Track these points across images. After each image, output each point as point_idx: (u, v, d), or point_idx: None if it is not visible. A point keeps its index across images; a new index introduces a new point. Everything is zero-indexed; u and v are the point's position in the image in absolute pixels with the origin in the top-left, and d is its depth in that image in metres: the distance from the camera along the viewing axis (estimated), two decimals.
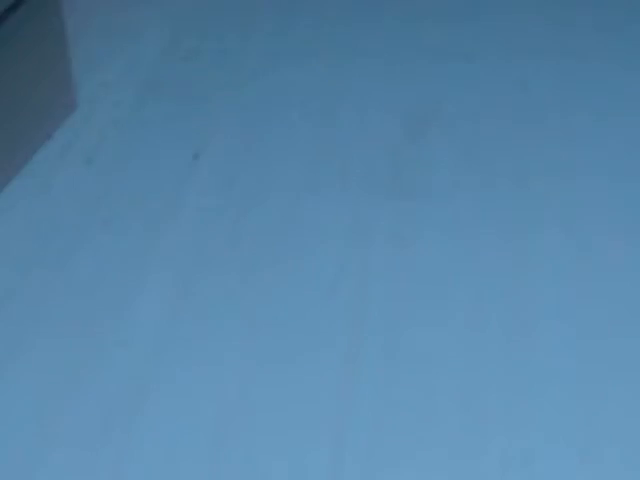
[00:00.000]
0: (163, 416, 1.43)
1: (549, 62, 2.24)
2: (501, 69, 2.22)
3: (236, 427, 1.42)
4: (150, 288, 1.65)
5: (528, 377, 1.49)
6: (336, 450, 1.38)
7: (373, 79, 2.19)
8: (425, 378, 1.49)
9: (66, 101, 2.05)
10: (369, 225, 1.78)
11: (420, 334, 1.56)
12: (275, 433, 1.41)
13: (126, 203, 1.84)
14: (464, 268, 1.69)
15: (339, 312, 1.60)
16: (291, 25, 2.40)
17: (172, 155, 1.96)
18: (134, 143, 2.00)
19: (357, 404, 1.45)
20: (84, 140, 2.00)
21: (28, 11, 1.85)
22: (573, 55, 2.26)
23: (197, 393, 1.47)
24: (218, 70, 2.23)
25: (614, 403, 1.45)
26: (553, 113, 2.08)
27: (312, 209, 1.82)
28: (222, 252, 1.72)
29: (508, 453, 1.38)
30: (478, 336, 1.56)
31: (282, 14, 2.45)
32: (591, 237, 1.75)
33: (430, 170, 1.91)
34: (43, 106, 1.96)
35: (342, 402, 1.45)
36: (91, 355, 1.53)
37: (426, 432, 1.41)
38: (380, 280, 1.66)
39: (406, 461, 1.37)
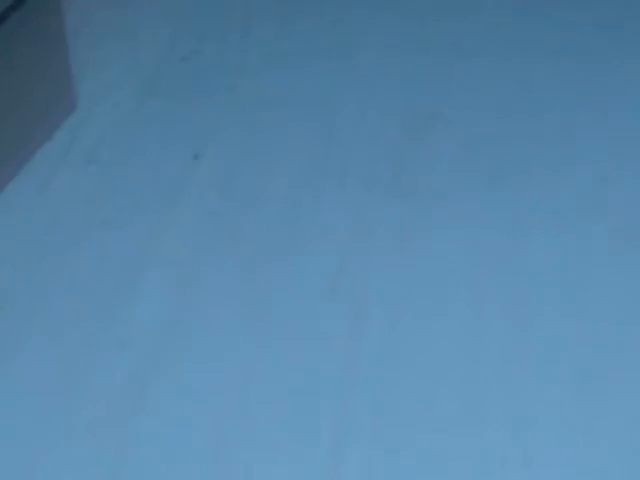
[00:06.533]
0: (163, 415, 1.43)
1: (549, 61, 2.24)
2: (501, 68, 2.22)
3: (236, 426, 1.42)
4: (150, 288, 1.65)
5: (528, 376, 1.49)
6: (336, 449, 1.38)
7: (373, 79, 2.19)
8: (425, 377, 1.49)
9: (66, 101, 2.05)
10: (369, 225, 1.78)
11: (420, 333, 1.56)
12: (275, 432, 1.41)
13: (126, 203, 1.84)
14: (464, 267, 1.69)
15: (339, 312, 1.60)
16: (291, 25, 2.40)
17: (172, 155, 1.96)
18: (134, 143, 2.00)
19: (357, 403, 1.45)
20: (84, 140, 2.00)
21: (28, 11, 1.85)
22: (573, 55, 2.26)
23: (197, 392, 1.47)
24: (218, 70, 2.23)
25: (614, 401, 1.45)
26: (553, 112, 2.08)
27: (312, 209, 1.82)
28: (222, 252, 1.72)
29: (508, 451, 1.38)
30: (478, 335, 1.56)
31: (282, 14, 2.45)
32: (591, 236, 1.75)
33: (430, 169, 1.91)
34: (43, 106, 1.96)
35: (342, 400, 1.45)
36: (91, 354, 1.53)
37: (426, 431, 1.41)
38: (380, 280, 1.66)
39: (406, 461, 1.37)
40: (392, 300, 1.62)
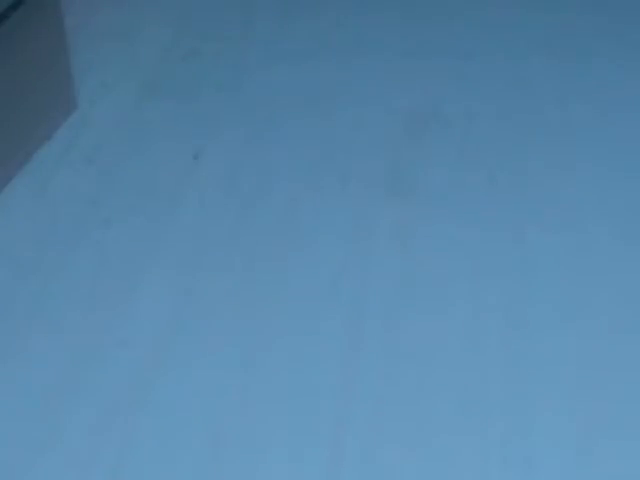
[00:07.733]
0: (163, 415, 1.43)
1: (549, 61, 2.24)
2: (501, 68, 2.22)
3: (237, 426, 1.42)
4: (150, 287, 1.65)
5: (528, 375, 1.49)
6: (336, 449, 1.38)
7: (373, 79, 2.19)
8: (424, 376, 1.49)
9: (66, 101, 2.05)
10: (369, 224, 1.78)
11: (419, 333, 1.56)
12: (275, 432, 1.41)
13: (126, 203, 1.84)
14: (464, 267, 1.69)
15: (339, 311, 1.60)
16: (291, 25, 2.40)
17: (172, 155, 1.96)
18: (134, 143, 2.00)
19: (357, 403, 1.45)
20: (84, 140, 2.00)
21: (28, 11, 1.86)
22: (573, 54, 2.26)
23: (198, 391, 1.47)
24: (218, 70, 2.23)
25: (615, 401, 1.45)
26: (553, 112, 2.08)
27: (312, 208, 1.82)
28: (222, 252, 1.72)
29: (508, 451, 1.38)
30: (478, 334, 1.56)
31: (282, 14, 2.45)
32: (591, 235, 1.75)
33: (430, 169, 1.91)
34: (43, 106, 1.96)
35: (342, 400, 1.45)
36: (91, 354, 1.53)
37: (426, 431, 1.41)
38: (380, 279, 1.66)
39: (406, 461, 1.37)
40: (392, 300, 1.62)
